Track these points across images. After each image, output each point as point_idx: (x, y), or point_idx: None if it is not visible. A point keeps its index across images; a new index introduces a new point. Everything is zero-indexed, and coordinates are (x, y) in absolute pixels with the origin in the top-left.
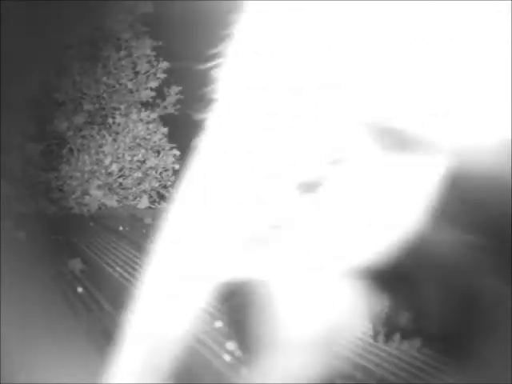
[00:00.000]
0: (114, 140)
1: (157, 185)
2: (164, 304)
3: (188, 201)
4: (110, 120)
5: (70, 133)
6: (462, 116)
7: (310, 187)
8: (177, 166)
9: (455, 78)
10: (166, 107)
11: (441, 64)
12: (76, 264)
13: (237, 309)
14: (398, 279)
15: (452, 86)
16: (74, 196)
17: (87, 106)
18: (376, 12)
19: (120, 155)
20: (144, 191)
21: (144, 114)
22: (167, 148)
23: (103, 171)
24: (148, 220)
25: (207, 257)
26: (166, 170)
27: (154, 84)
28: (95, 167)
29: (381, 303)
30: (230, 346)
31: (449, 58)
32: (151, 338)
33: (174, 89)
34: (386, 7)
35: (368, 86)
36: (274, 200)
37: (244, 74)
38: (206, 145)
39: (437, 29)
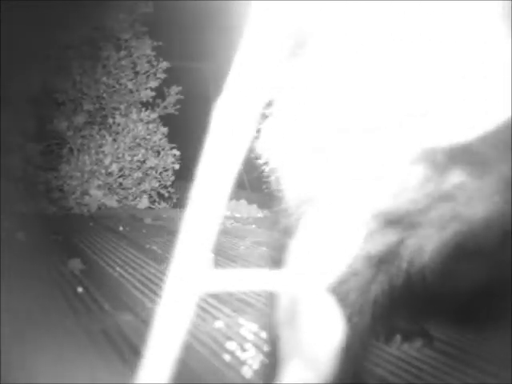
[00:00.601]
0: (114, 140)
1: (157, 185)
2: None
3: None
4: (110, 120)
5: (70, 133)
6: (442, 116)
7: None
8: (177, 166)
9: (438, 77)
10: (165, 107)
11: (426, 64)
12: (76, 264)
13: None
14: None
15: (433, 85)
16: (73, 196)
17: (87, 106)
18: (362, 11)
19: (120, 155)
20: (144, 191)
21: (144, 114)
22: (167, 148)
23: (103, 171)
24: (148, 220)
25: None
26: (165, 170)
27: (154, 84)
28: (95, 167)
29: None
30: (230, 346)
31: (434, 57)
32: (151, 338)
33: (174, 89)
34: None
35: (352, 86)
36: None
37: (246, 74)
38: (212, 145)
39: (422, 28)
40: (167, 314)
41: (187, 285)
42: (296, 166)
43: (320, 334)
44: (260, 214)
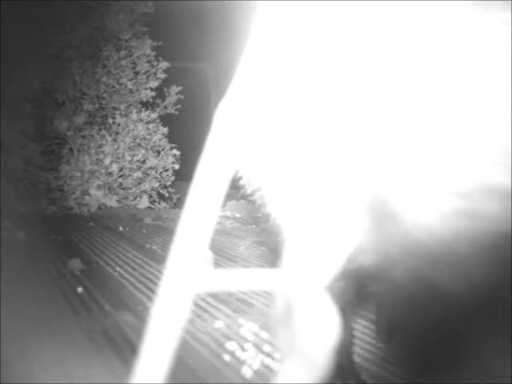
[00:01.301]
0: (114, 140)
1: (157, 185)
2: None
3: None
4: (110, 120)
5: (70, 133)
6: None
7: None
8: (177, 166)
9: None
10: (165, 107)
11: (434, 67)
12: (76, 264)
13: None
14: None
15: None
16: (73, 196)
17: (87, 106)
18: (369, 13)
19: (120, 155)
20: (144, 191)
21: (144, 114)
22: (167, 148)
23: (103, 171)
24: (148, 220)
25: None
26: (166, 170)
27: (154, 84)
28: (95, 167)
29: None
30: (230, 346)
31: (440, 61)
32: (151, 337)
33: (174, 89)
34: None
35: (368, 86)
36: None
37: (246, 74)
38: (212, 144)
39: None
40: (167, 313)
41: (186, 284)
42: (299, 169)
43: (325, 335)
44: (260, 214)
